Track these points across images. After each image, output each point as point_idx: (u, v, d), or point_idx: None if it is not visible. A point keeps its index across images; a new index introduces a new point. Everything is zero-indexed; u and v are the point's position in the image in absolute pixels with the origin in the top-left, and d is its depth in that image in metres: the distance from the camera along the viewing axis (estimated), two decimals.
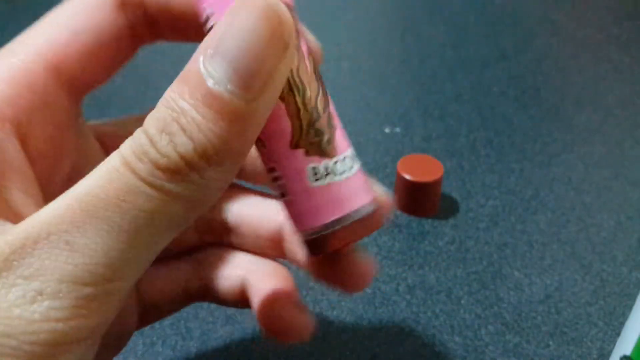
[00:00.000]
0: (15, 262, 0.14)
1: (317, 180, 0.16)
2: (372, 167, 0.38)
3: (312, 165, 0.16)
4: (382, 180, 0.37)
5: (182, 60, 0.53)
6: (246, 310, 0.29)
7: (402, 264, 0.31)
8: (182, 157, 0.14)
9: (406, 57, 0.50)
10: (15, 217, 0.16)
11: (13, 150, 0.17)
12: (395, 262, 0.31)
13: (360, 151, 0.39)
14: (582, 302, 0.29)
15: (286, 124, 0.16)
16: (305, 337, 0.21)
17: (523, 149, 0.40)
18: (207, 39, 0.14)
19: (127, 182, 0.14)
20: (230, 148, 0.14)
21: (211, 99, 0.14)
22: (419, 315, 0.29)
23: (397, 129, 0.41)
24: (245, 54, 0.14)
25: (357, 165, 0.17)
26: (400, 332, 0.28)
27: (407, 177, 0.33)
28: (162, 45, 0.56)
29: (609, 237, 0.33)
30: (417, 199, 0.34)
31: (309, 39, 0.18)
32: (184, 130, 0.14)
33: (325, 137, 0.16)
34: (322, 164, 0.16)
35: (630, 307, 0.29)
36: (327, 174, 0.16)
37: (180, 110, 0.14)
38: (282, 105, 0.16)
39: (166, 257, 0.23)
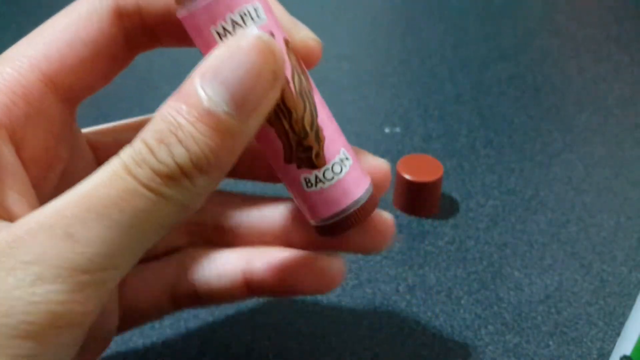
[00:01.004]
0: (15, 249, 0.15)
1: (309, 187, 0.19)
2: None
3: (303, 175, 0.19)
4: None
5: (181, 60, 0.53)
6: (246, 311, 0.29)
7: (402, 264, 0.31)
8: (178, 165, 0.16)
9: (406, 57, 0.50)
10: (11, 218, 0.17)
11: (9, 155, 0.18)
12: (395, 262, 0.31)
13: None
14: (582, 302, 0.29)
15: (278, 144, 0.18)
16: (339, 281, 0.22)
17: (523, 149, 0.40)
18: (205, 65, 0.16)
19: (128, 185, 0.16)
20: (220, 160, 0.16)
21: (208, 117, 0.16)
22: (419, 315, 0.29)
23: (397, 129, 0.41)
24: (242, 82, 0.16)
25: (348, 165, 0.19)
26: (400, 332, 0.28)
27: (407, 177, 0.33)
28: None
29: (609, 237, 0.33)
30: (417, 199, 0.34)
31: (302, 39, 0.19)
32: (181, 141, 0.16)
33: (314, 152, 0.19)
34: (312, 174, 0.19)
35: (630, 307, 0.29)
36: (317, 182, 0.19)
37: (178, 124, 0.16)
38: (272, 129, 0.18)
39: (150, 260, 0.24)
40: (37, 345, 0.15)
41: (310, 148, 0.18)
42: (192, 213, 0.17)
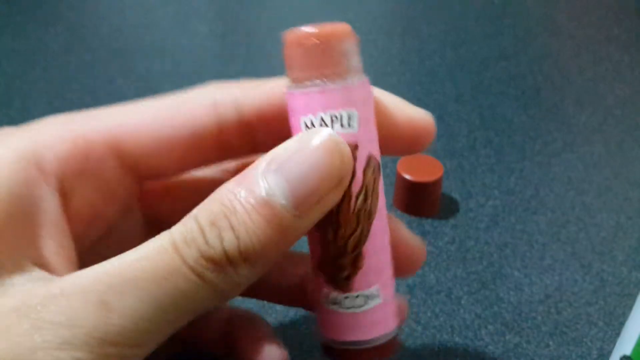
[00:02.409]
0: (46, 307, 0.15)
1: (326, 304, 0.19)
2: None
3: (325, 290, 0.18)
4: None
5: (181, 61, 0.52)
6: None
7: None
8: (225, 252, 0.16)
9: (406, 57, 0.50)
10: (45, 267, 0.17)
11: (52, 203, 0.18)
12: None
13: None
14: (582, 302, 0.29)
15: (317, 249, 0.18)
16: None
17: (523, 149, 0.40)
18: (272, 154, 0.16)
19: (173, 262, 0.15)
20: (267, 252, 0.16)
21: (264, 207, 0.16)
22: (419, 315, 0.29)
23: None
24: (305, 180, 0.16)
25: (373, 304, 0.18)
26: (400, 332, 0.28)
27: (407, 177, 0.33)
28: (161, 44, 0.56)
29: (609, 237, 0.33)
30: (417, 199, 0.34)
31: (410, 115, 0.20)
32: (233, 228, 0.16)
33: (344, 274, 0.18)
34: (333, 293, 0.18)
35: (630, 307, 0.29)
36: (335, 303, 0.18)
37: (233, 209, 0.16)
38: (318, 234, 0.18)
39: None
40: None
41: (342, 268, 0.18)
42: (226, 301, 0.17)
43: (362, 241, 0.18)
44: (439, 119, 0.42)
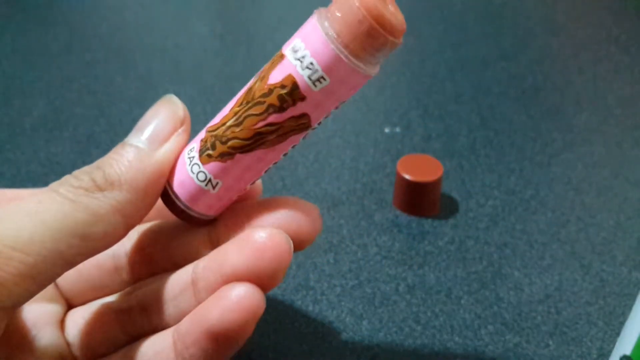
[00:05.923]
0: None
1: (187, 160, 0.22)
2: (372, 167, 0.38)
3: (194, 149, 0.21)
4: (381, 180, 0.37)
5: (181, 60, 0.52)
6: None
7: (402, 264, 0.31)
8: (93, 180, 0.19)
9: (406, 57, 0.50)
10: None
11: None
12: (395, 262, 0.31)
13: (360, 151, 0.39)
14: (582, 302, 0.29)
15: (223, 116, 0.21)
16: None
17: (523, 149, 0.40)
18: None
19: (48, 193, 0.19)
20: (132, 178, 0.20)
21: (123, 148, 0.20)
22: (419, 315, 0.29)
23: (397, 129, 0.41)
24: (151, 126, 0.21)
25: (209, 189, 0.21)
26: (400, 332, 0.28)
27: (407, 177, 0.33)
28: (161, 44, 0.56)
29: (609, 237, 0.33)
30: (417, 199, 0.34)
31: None
32: (98, 167, 0.20)
33: (212, 152, 0.21)
34: (196, 157, 0.21)
35: (630, 307, 0.29)
36: (190, 165, 0.21)
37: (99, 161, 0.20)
38: (235, 109, 0.20)
39: None
40: None
41: (214, 147, 0.21)
42: (107, 227, 0.19)
43: (241, 149, 0.20)
44: (439, 119, 0.42)
